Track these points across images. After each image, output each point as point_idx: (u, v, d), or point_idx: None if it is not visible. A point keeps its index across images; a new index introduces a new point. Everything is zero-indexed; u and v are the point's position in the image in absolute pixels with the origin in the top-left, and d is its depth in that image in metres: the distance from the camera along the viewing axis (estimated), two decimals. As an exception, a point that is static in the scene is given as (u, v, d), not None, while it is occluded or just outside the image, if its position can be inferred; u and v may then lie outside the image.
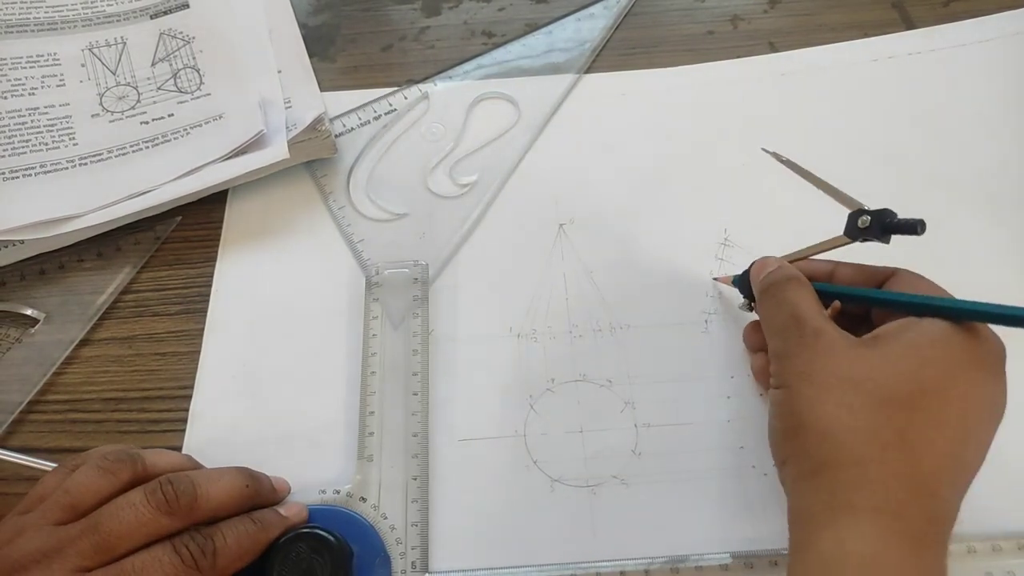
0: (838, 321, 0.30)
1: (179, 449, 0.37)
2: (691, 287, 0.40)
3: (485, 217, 0.44)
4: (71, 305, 0.42)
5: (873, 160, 0.44)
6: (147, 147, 0.45)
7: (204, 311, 0.41)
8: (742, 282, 0.37)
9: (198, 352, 0.40)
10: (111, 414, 0.39)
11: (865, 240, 0.31)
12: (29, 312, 0.42)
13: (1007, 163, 0.43)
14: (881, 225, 0.30)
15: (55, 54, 0.48)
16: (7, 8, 0.49)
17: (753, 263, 0.35)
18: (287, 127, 0.44)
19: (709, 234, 0.42)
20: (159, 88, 0.47)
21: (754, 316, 0.37)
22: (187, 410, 0.38)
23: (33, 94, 0.46)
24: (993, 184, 0.43)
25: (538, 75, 0.49)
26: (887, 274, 0.32)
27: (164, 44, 0.49)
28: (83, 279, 0.43)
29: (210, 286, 0.42)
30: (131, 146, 0.45)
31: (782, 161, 0.35)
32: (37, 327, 0.41)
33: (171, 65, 0.48)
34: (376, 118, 0.48)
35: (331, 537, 0.32)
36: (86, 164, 0.44)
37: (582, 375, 0.38)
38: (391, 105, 0.48)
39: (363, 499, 0.35)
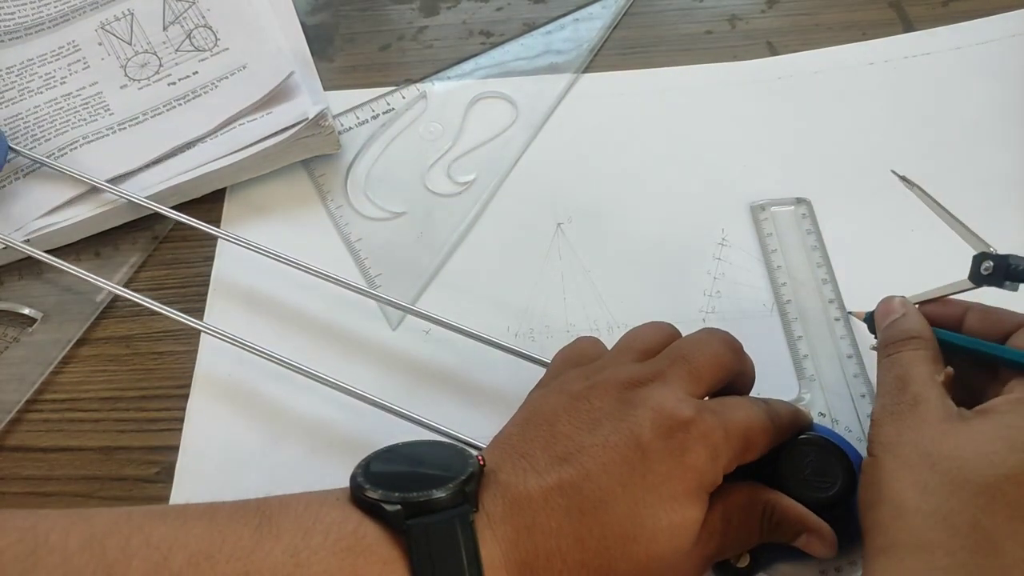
0: (965, 380, 0.29)
1: (176, 449, 0.37)
2: (688, 286, 0.40)
3: (483, 216, 0.44)
4: (69, 304, 0.42)
5: (870, 163, 0.44)
6: (179, 104, 0.47)
7: (202, 310, 0.41)
8: (871, 321, 0.35)
9: (195, 351, 0.40)
10: (109, 413, 0.39)
11: (989, 286, 0.30)
12: (27, 311, 0.42)
13: (1006, 166, 0.43)
14: (1005, 272, 0.29)
15: (73, 42, 0.49)
16: (21, 11, 0.51)
17: (880, 303, 0.34)
18: (291, 123, 0.44)
19: (707, 234, 0.42)
20: (177, 50, 0.48)
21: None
22: (184, 409, 0.38)
23: (64, 82, 0.48)
24: (992, 187, 0.42)
25: (536, 75, 0.49)
26: (1017, 323, 0.30)
27: (170, 8, 0.50)
28: (81, 278, 0.43)
29: (207, 285, 0.42)
30: (164, 106, 0.47)
31: (912, 188, 0.33)
32: (35, 326, 0.41)
33: (183, 27, 0.49)
34: (374, 117, 0.48)
35: (835, 443, 0.31)
36: (125, 128, 0.46)
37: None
38: (389, 105, 0.48)
39: (822, 415, 0.36)
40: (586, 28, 0.51)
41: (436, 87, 0.49)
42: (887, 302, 0.33)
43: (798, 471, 0.30)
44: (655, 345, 0.31)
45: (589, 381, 0.29)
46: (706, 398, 0.30)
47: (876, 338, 0.34)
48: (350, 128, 0.47)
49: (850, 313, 0.39)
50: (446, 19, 0.52)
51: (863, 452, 0.33)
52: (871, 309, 0.35)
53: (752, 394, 0.32)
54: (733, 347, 0.31)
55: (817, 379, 0.37)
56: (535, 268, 0.42)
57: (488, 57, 0.50)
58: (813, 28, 0.49)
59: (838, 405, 0.36)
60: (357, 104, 0.48)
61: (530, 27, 0.51)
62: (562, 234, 0.43)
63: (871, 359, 0.37)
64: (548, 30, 0.51)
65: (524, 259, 0.42)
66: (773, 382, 0.35)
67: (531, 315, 0.40)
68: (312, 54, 0.49)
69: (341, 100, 0.48)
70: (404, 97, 0.48)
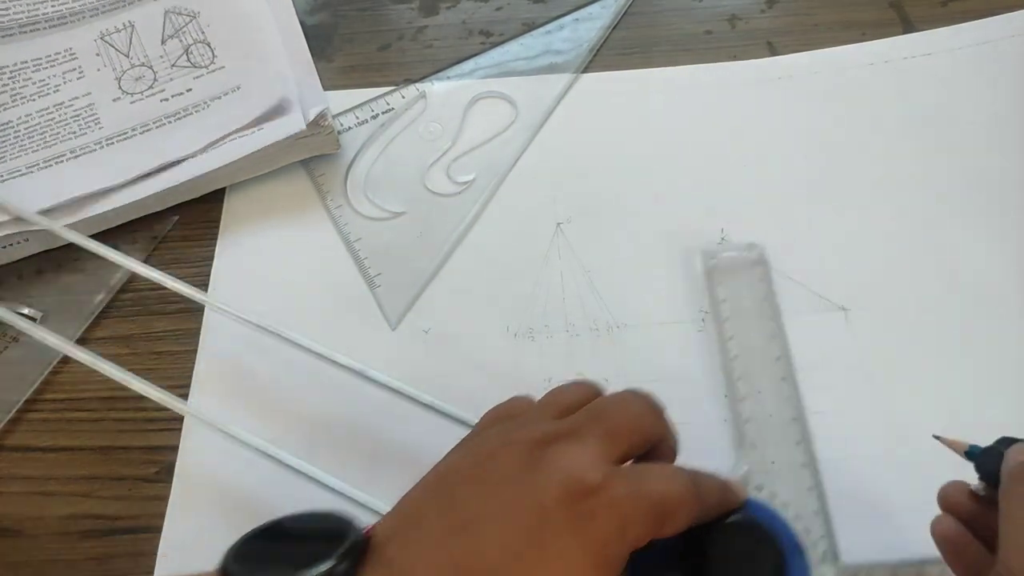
0: None
1: (175, 449, 0.37)
2: (688, 286, 0.40)
3: (482, 216, 0.44)
4: (68, 304, 0.42)
5: (869, 165, 0.44)
6: (170, 122, 0.46)
7: (201, 310, 0.41)
8: (985, 461, 0.27)
9: (195, 351, 0.40)
10: (108, 412, 0.39)
11: None
12: (27, 311, 0.42)
13: (1006, 169, 0.43)
14: None
15: (70, 49, 0.49)
16: (16, 7, 0.50)
17: (1012, 445, 0.27)
18: (281, 138, 0.44)
19: (706, 234, 0.42)
20: (173, 65, 0.48)
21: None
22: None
23: (58, 91, 0.47)
24: (992, 190, 0.42)
25: (536, 75, 0.49)
26: None
27: (171, 22, 0.50)
28: (80, 278, 0.43)
29: (207, 285, 0.42)
30: (154, 123, 0.46)
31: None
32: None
33: (181, 41, 0.49)
34: (374, 117, 0.48)
35: (766, 527, 0.28)
36: (112, 144, 0.45)
37: (579, 374, 0.38)
38: (388, 104, 0.48)
39: (759, 488, 0.34)
40: (586, 28, 0.51)
41: (436, 87, 0.49)
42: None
43: (726, 558, 0.28)
44: (575, 403, 0.29)
45: (503, 439, 0.28)
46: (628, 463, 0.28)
47: (982, 480, 0.28)
48: (350, 128, 0.47)
49: (937, 437, 0.30)
50: (446, 19, 0.52)
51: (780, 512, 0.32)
52: (972, 443, 0.28)
53: (695, 464, 0.30)
54: (655, 411, 0.29)
55: (758, 446, 0.36)
56: (535, 268, 0.42)
57: (488, 57, 0.50)
58: (813, 28, 0.49)
59: (777, 476, 0.35)
60: (357, 104, 0.48)
61: (530, 27, 0.51)
62: (562, 234, 0.43)
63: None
64: (548, 30, 0.51)
65: (524, 259, 0.42)
66: (710, 447, 0.34)
67: (531, 315, 0.40)
68: (312, 54, 0.49)
69: (341, 100, 0.48)
70: (404, 97, 0.48)
